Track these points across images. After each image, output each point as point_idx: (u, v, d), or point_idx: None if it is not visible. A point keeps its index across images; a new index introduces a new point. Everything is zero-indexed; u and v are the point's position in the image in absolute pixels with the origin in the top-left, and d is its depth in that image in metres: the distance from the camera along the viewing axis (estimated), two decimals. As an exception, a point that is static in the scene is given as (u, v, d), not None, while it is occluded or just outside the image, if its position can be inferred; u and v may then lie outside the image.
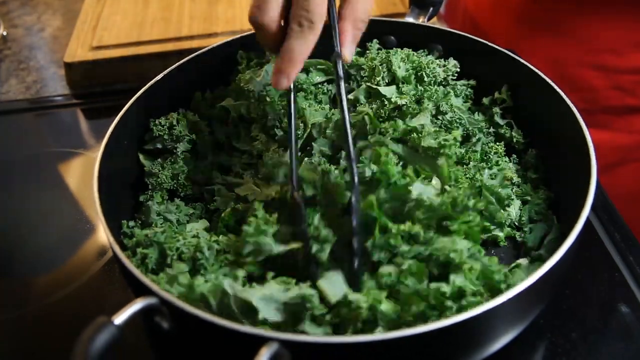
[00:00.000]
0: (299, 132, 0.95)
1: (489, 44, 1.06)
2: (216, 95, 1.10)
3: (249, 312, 0.71)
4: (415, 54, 1.07)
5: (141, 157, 1.00)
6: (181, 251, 0.81)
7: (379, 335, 0.63)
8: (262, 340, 0.62)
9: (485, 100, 1.07)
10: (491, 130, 1.04)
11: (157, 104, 1.03)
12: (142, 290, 0.69)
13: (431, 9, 1.16)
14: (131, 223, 0.91)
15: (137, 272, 0.70)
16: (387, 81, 1.03)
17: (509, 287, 0.72)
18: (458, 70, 1.07)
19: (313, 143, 0.95)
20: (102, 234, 1.07)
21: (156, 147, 1.01)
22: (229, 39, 1.13)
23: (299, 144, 0.95)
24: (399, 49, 1.08)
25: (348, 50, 0.85)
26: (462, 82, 1.08)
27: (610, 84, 1.32)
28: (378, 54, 1.08)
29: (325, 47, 0.81)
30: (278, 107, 0.99)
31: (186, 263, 0.79)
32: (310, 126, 0.96)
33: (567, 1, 1.30)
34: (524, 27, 1.38)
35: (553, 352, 0.84)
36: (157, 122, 1.01)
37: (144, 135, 1.03)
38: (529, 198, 0.95)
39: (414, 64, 1.04)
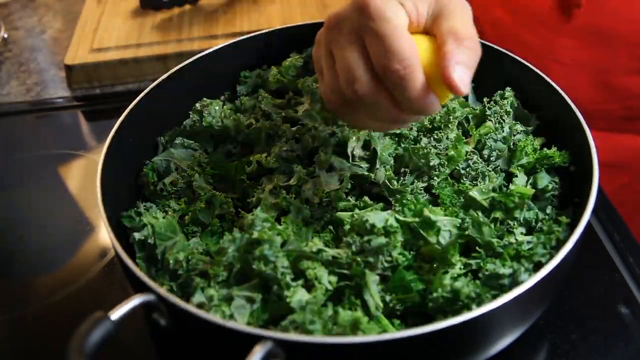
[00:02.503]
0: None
1: (496, 47, 1.06)
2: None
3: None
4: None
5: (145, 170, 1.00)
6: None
7: (377, 336, 0.63)
8: (256, 339, 0.62)
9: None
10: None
11: (160, 104, 1.04)
12: (141, 287, 0.69)
13: None
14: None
15: (136, 269, 0.71)
16: None
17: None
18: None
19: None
20: (103, 235, 1.08)
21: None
22: (230, 41, 1.13)
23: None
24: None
25: (457, 75, 0.66)
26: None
27: None
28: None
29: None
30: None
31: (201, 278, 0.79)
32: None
33: (611, 7, 1.27)
34: (564, 38, 1.35)
35: (553, 353, 0.84)
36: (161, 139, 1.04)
37: (146, 134, 1.03)
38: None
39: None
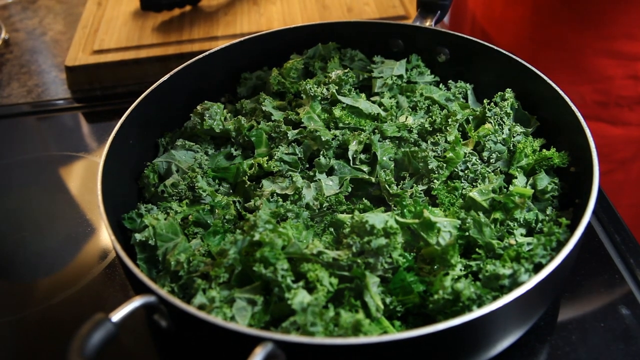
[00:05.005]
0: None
1: (496, 48, 1.06)
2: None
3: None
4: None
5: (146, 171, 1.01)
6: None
7: (377, 337, 0.63)
8: (257, 340, 0.62)
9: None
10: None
11: (160, 106, 1.04)
12: (142, 289, 0.69)
13: (438, 12, 1.17)
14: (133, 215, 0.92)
15: (137, 270, 0.71)
16: None
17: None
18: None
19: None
20: (103, 237, 1.08)
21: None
22: (230, 42, 1.13)
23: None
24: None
25: None
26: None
27: (626, 73, 1.32)
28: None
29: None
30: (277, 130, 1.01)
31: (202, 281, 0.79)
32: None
33: None
34: (539, 17, 1.36)
35: (553, 354, 0.84)
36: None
37: (147, 135, 1.04)
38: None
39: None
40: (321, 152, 0.96)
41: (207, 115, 1.02)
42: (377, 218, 0.78)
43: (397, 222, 0.80)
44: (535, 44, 1.22)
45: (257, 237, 0.75)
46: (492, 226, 0.82)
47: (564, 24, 1.33)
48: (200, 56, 1.10)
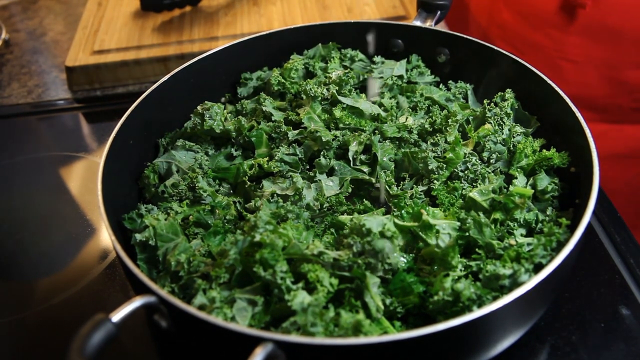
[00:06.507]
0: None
1: (496, 48, 1.06)
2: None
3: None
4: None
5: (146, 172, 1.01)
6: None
7: (378, 337, 0.63)
8: (257, 341, 0.62)
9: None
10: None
11: (160, 106, 1.04)
12: (142, 289, 0.69)
13: (439, 12, 1.17)
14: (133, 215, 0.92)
15: (137, 271, 0.71)
16: None
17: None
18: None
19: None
20: (104, 237, 1.08)
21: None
22: (230, 43, 1.13)
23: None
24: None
25: None
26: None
27: None
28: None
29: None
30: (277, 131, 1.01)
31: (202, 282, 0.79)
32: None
33: (616, 5, 1.30)
34: (572, 37, 1.38)
35: (554, 355, 0.84)
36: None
37: (148, 136, 1.04)
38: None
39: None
40: (321, 153, 0.96)
41: (208, 115, 1.02)
42: (375, 221, 0.78)
43: (395, 225, 0.80)
44: (570, 63, 1.23)
45: (257, 237, 0.75)
46: (492, 226, 0.82)
47: (603, 43, 1.33)
48: (201, 56, 1.10)
